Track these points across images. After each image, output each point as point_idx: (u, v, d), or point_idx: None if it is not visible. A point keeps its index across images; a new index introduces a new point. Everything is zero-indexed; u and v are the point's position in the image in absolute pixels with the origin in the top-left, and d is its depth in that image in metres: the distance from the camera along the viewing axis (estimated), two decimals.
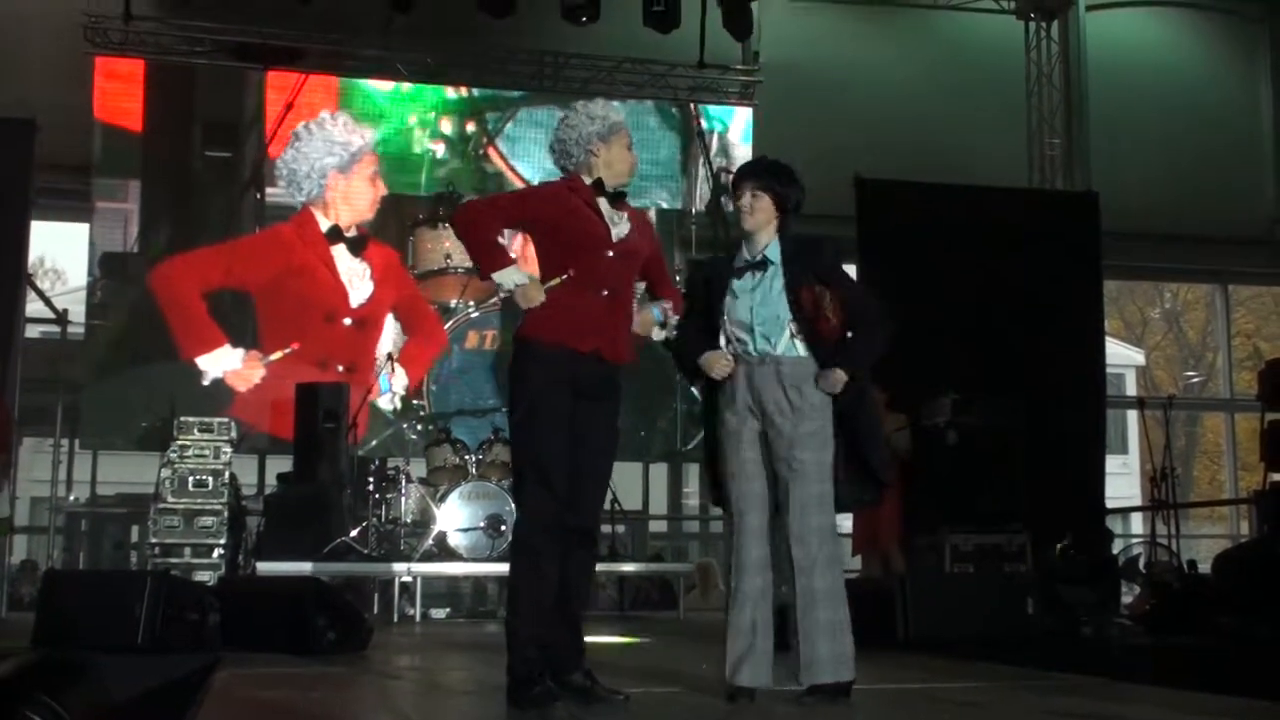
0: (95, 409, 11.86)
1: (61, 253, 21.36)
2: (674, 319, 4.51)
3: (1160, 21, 15.55)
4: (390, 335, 12.42)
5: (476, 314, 12.64)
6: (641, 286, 4.67)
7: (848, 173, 11.81)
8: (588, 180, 4.42)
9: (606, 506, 6.01)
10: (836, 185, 12.00)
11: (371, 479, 10.15)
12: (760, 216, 4.60)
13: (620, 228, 4.43)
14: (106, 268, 12.31)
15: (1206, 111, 15.08)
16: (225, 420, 10.08)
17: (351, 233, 12.50)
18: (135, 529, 11.67)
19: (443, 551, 9.92)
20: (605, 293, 4.33)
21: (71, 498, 11.94)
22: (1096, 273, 12.31)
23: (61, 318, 12.24)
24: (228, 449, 9.89)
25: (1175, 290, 26.78)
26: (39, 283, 13.80)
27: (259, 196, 12.65)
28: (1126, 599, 9.66)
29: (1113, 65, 14.87)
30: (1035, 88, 14.02)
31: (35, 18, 12.29)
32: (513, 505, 9.87)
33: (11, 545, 9.72)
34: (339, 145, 12.63)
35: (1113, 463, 13.38)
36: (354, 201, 12.64)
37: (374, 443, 11.94)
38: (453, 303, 12.64)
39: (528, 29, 12.92)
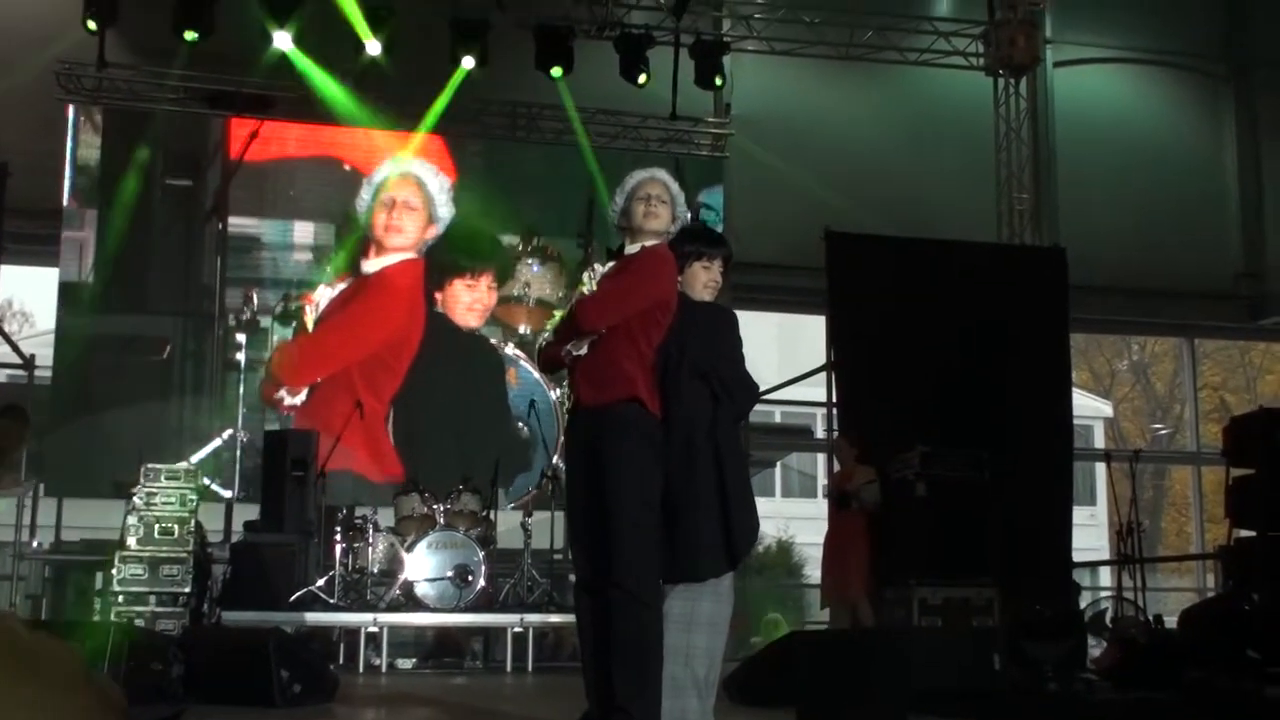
0: (61, 454, 11.78)
1: (30, 296, 21.28)
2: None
3: (1127, 78, 15.77)
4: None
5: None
6: None
7: (818, 225, 11.89)
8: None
9: None
10: (807, 237, 12.12)
11: (339, 528, 10.10)
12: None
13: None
14: (65, 297, 12.30)
15: (1173, 167, 15.29)
16: (192, 468, 10.01)
17: None
18: (99, 575, 11.56)
19: (410, 601, 9.87)
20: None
21: (35, 544, 11.82)
22: (1064, 326, 12.40)
23: (28, 362, 12.19)
24: (194, 496, 9.82)
25: (1143, 343, 27.01)
26: (6, 326, 13.74)
27: (220, 226, 12.67)
28: (1094, 652, 9.67)
29: (1080, 121, 15.07)
30: (1004, 143, 14.17)
31: (7, 63, 12.29)
32: (481, 555, 9.91)
33: None
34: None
35: (1080, 514, 13.41)
36: None
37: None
38: (520, 328, 13.01)
39: (502, 81, 13.01)
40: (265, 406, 12.57)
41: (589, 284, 4.53)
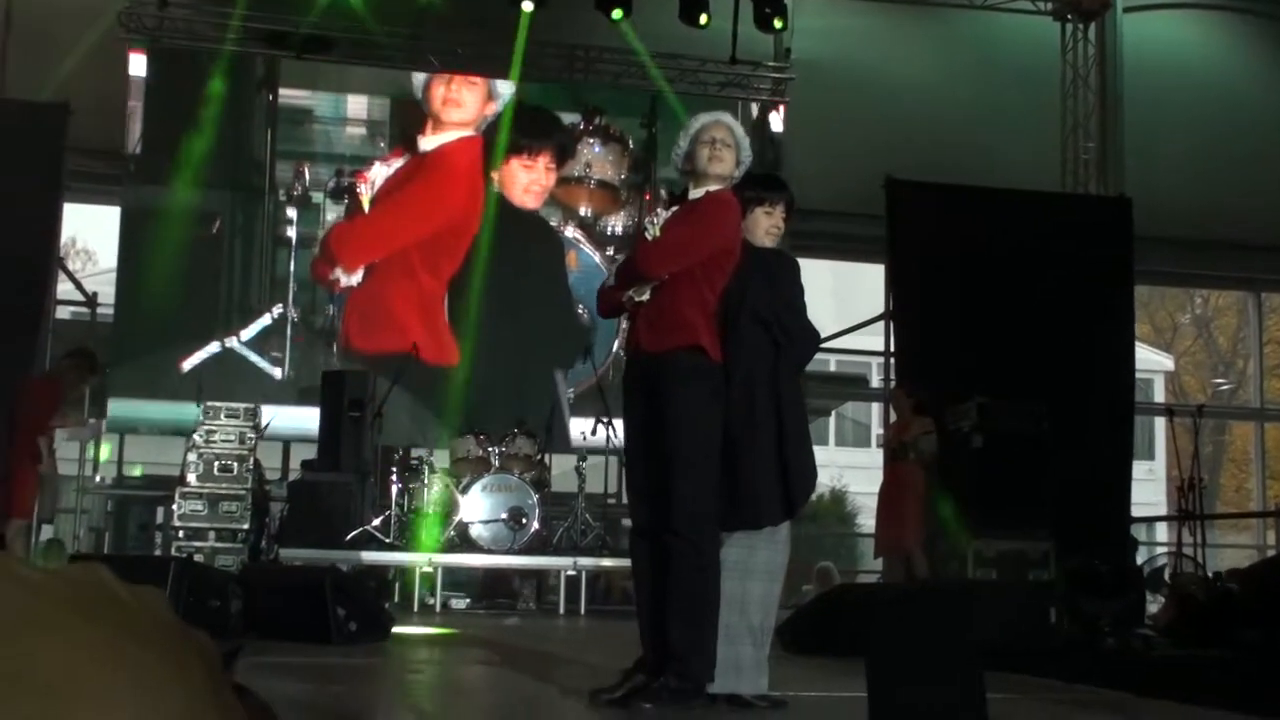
0: (123, 390, 11.91)
1: (92, 235, 21.52)
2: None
3: (1198, 24, 15.40)
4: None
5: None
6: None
7: (879, 172, 11.78)
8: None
9: None
10: (867, 185, 12.00)
11: (395, 468, 10.18)
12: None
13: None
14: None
15: (1243, 116, 14.93)
16: (251, 406, 10.10)
17: None
18: (160, 511, 11.73)
19: (464, 542, 9.94)
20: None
21: (98, 479, 12.00)
22: (1128, 278, 12.24)
23: (91, 300, 12.34)
24: (252, 435, 9.92)
25: (1206, 296, 26.61)
26: (70, 264, 13.88)
27: (271, 98, 12.74)
28: (1151, 609, 9.59)
29: (1149, 68, 14.73)
30: (1070, 90, 13.90)
31: (71, 4, 12.32)
32: (535, 498, 9.95)
33: (40, 524, 9.81)
34: None
35: (1139, 469, 13.27)
36: None
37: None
38: (581, 210, 12.95)
39: (559, 21, 12.89)
40: (316, 284, 12.48)
41: (652, 229, 4.47)
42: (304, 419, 11.34)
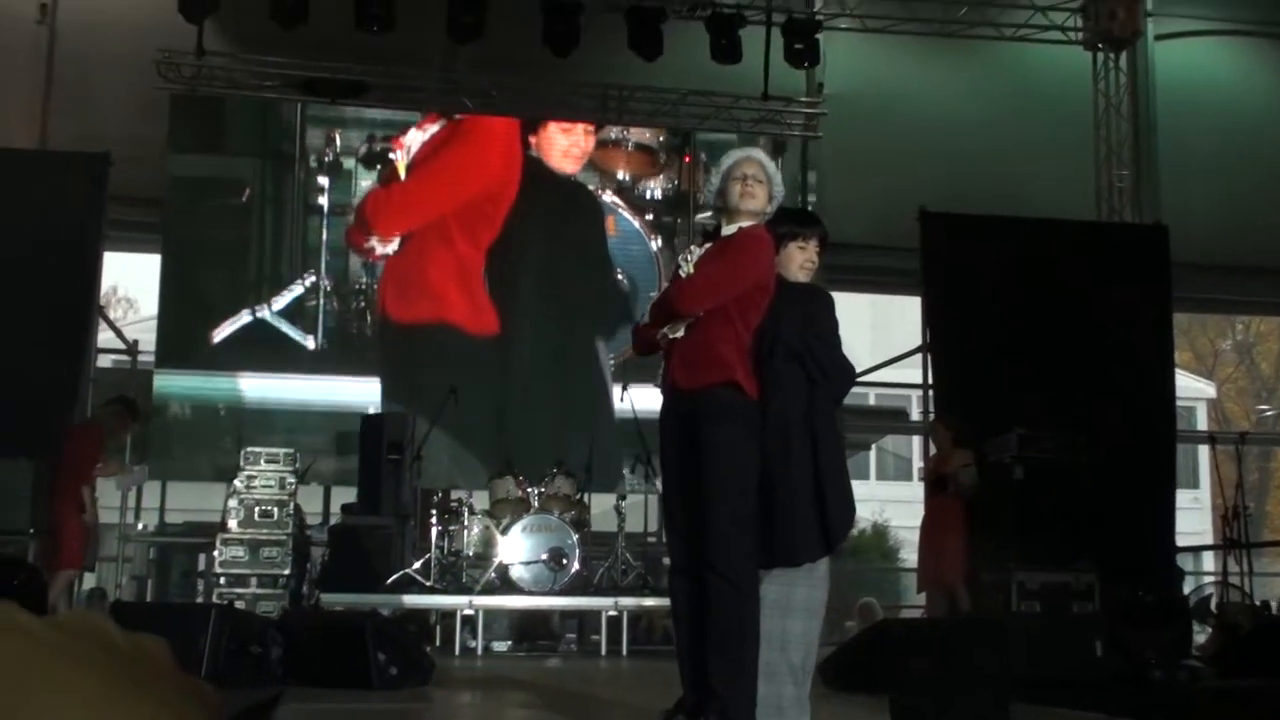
0: (164, 438, 12.02)
1: (133, 283, 21.75)
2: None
3: (1230, 51, 15.34)
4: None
5: None
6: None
7: (913, 205, 11.77)
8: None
9: None
10: (901, 217, 11.99)
11: (434, 511, 10.19)
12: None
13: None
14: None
15: (1278, 141, 14.85)
16: (291, 451, 10.16)
17: None
18: (202, 557, 11.79)
19: (505, 584, 9.93)
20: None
21: (140, 526, 12.08)
22: (1166, 305, 12.16)
23: (132, 348, 12.45)
24: (293, 479, 9.97)
25: (1247, 322, 26.40)
26: (110, 313, 14.02)
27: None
28: (1199, 639, 9.48)
29: (1182, 95, 14.70)
30: (1103, 119, 13.87)
31: (111, 54, 12.51)
32: (575, 538, 9.94)
33: (82, 573, 9.88)
34: None
35: (1183, 497, 13.14)
36: None
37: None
38: (619, 173, 13.01)
39: (593, 62, 12.99)
40: (349, 251, 12.45)
41: (686, 266, 4.48)
42: (342, 392, 11.53)
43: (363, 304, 12.39)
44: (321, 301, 12.03)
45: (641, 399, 9.67)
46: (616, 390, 11.07)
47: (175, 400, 12.10)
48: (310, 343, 12.06)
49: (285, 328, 12.13)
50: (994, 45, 14.04)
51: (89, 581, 10.61)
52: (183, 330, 12.16)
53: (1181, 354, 23.46)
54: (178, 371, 12.05)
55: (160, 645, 1.18)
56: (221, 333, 12.07)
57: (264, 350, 12.06)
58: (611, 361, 12.23)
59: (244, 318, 12.12)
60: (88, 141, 11.77)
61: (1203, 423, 24.97)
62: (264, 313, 12.15)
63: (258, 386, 12.09)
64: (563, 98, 13.28)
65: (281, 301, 12.10)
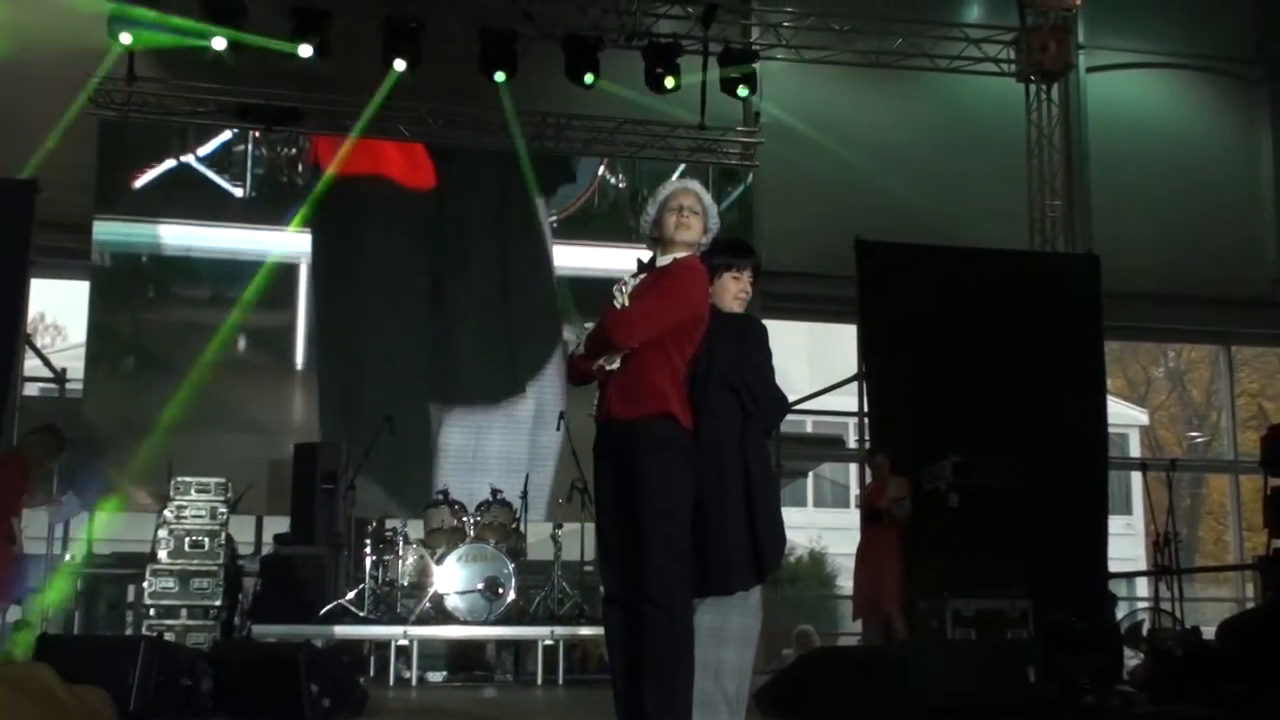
0: (92, 467, 11.86)
1: (61, 310, 21.43)
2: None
3: (1161, 83, 15.65)
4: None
5: None
6: None
7: (848, 233, 11.87)
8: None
9: None
10: (837, 246, 12.09)
11: (368, 540, 10.13)
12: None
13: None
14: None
15: (1208, 172, 15.16)
16: (222, 480, 10.05)
17: None
18: (131, 588, 11.63)
19: (440, 614, 9.88)
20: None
21: (67, 557, 11.88)
22: (1098, 334, 12.33)
23: (59, 376, 12.28)
24: (224, 509, 9.86)
25: (1179, 350, 26.80)
26: (38, 340, 13.83)
27: None
28: (1131, 665, 9.60)
29: (1113, 126, 14.97)
30: (1035, 149, 14.07)
31: (39, 78, 12.37)
32: (511, 567, 9.92)
33: (8, 605, 9.70)
34: None
35: (1116, 523, 13.30)
36: None
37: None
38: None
39: (530, 90, 13.03)
40: None
41: (621, 297, 4.50)
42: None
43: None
44: (250, 149, 12.55)
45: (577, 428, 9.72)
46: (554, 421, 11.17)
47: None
48: (238, 191, 12.41)
49: (212, 175, 12.48)
50: (929, 76, 14.23)
51: (14, 612, 10.41)
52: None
53: (1114, 381, 23.77)
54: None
55: (102, 698, 1.19)
56: (144, 179, 12.52)
57: (188, 197, 12.57)
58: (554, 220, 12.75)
59: (168, 164, 12.56)
60: (14, 166, 11.64)
61: (1135, 449, 25.28)
62: (189, 159, 12.54)
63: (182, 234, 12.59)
64: (500, 125, 13.30)
65: (208, 148, 12.48)
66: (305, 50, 12.09)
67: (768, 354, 4.69)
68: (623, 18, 13.06)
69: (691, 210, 4.56)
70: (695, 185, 4.66)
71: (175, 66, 12.68)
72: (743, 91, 13.20)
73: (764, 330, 4.77)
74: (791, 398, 5.29)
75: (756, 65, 13.31)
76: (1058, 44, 13.85)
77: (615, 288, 4.56)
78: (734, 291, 4.74)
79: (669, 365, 4.40)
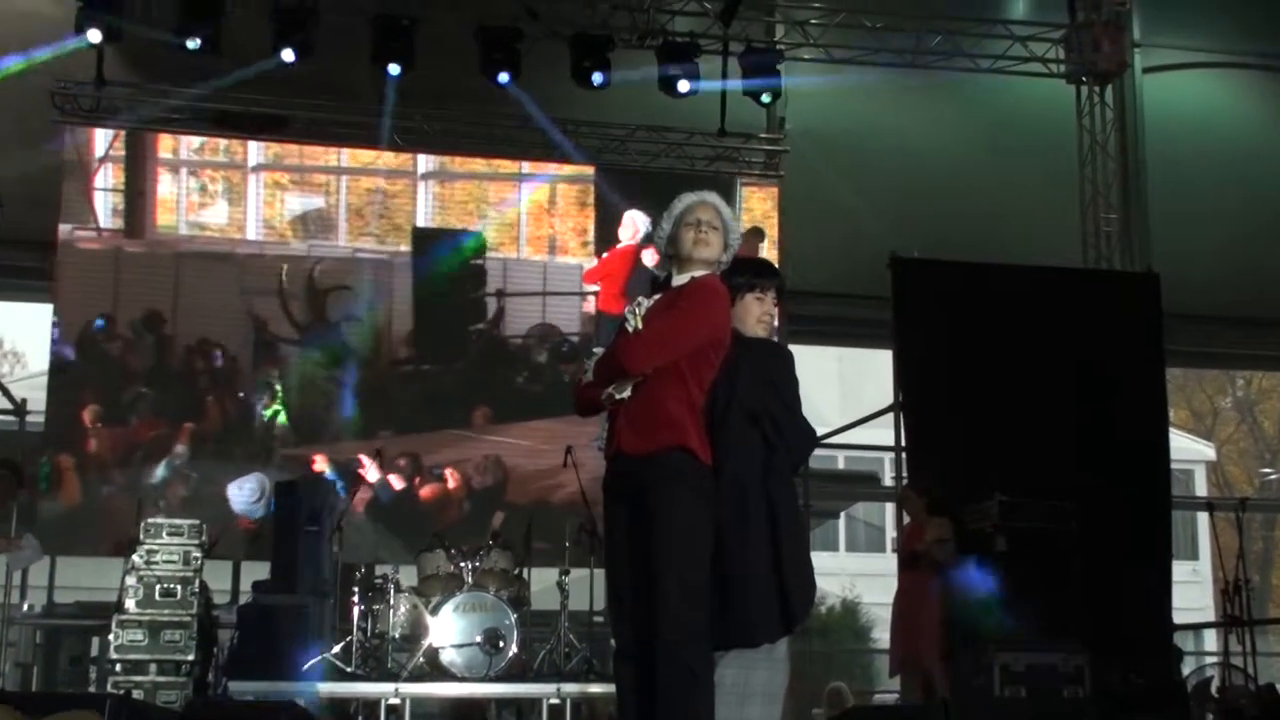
0: (54, 509, 11.91)
1: (21, 335, 21.52)
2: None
3: (1225, 84, 15.63)
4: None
5: None
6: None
7: (883, 250, 11.85)
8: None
9: None
10: (870, 264, 12.08)
11: (356, 588, 10.09)
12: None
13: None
14: None
15: (1278, 181, 15.11)
16: (196, 523, 10.05)
17: None
18: (95, 641, 11.62)
19: (434, 669, 9.83)
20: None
21: (26, 606, 11.89)
22: (1159, 359, 12.28)
23: (19, 407, 12.31)
24: (198, 554, 9.84)
25: (1248, 378, 26.73)
26: None
27: None
28: None
29: (1173, 132, 14.93)
30: (1088, 157, 14.07)
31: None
32: (513, 617, 9.88)
33: None
34: None
35: (1181, 570, 13.27)
36: None
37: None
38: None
39: (534, 95, 13.06)
40: None
41: (634, 319, 4.50)
42: None
43: None
44: None
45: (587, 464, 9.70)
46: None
47: None
48: None
49: None
50: (970, 78, 14.23)
51: None
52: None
53: (1177, 412, 23.73)
54: None
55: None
56: None
57: None
58: None
59: None
60: None
61: (1201, 488, 25.22)
62: None
63: None
64: (500, 133, 13.35)
65: None
66: (287, 55, 12.15)
67: (794, 382, 4.68)
68: (635, 15, 13.12)
69: (710, 225, 4.57)
70: (714, 198, 4.67)
71: (148, 69, 12.74)
72: (766, 96, 13.22)
73: (790, 356, 4.77)
74: (821, 430, 5.29)
75: (781, 67, 13.34)
76: (1111, 42, 13.87)
77: (628, 309, 4.55)
78: (757, 314, 4.74)
79: (685, 394, 4.39)
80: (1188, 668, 11.06)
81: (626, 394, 4.41)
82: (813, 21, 13.83)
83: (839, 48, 13.81)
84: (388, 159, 13.49)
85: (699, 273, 4.55)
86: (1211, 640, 14.00)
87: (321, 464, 12.54)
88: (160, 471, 12.36)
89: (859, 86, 14.18)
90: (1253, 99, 15.63)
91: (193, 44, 12.02)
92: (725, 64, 13.09)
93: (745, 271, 4.78)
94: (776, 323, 4.90)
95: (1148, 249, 14.24)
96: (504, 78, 12.59)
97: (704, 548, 4.31)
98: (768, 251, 13.14)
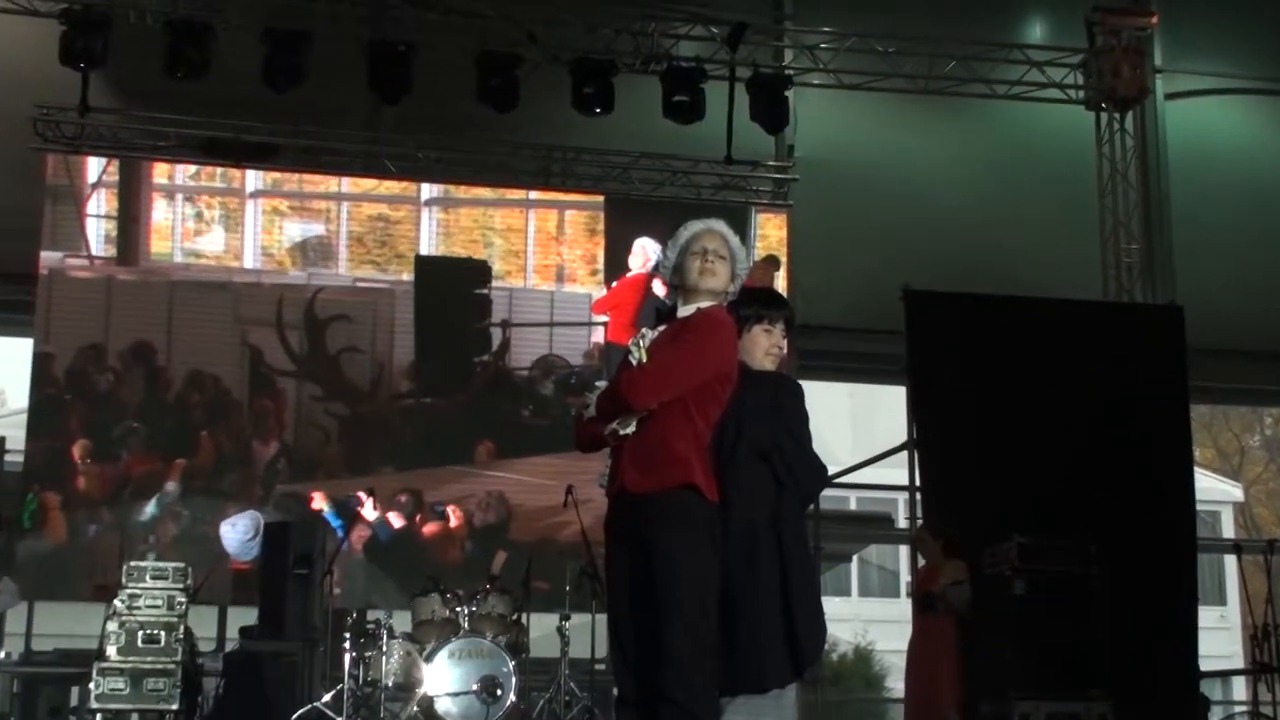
0: (34, 551, 11.89)
1: (1, 371, 21.51)
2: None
3: (1251, 110, 15.64)
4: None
5: None
6: None
7: (896, 282, 11.85)
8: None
9: None
10: (883, 297, 12.07)
11: (348, 634, 10.06)
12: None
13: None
14: None
15: None
16: (181, 566, 10.02)
17: None
18: (75, 690, 11.58)
19: (429, 719, 9.80)
20: None
21: (2, 654, 11.85)
22: (1183, 396, 12.26)
23: None
24: (183, 598, 9.82)
25: (1277, 415, 26.69)
26: None
27: None
28: None
29: (1197, 160, 14.94)
30: (1109, 186, 14.07)
31: None
32: (511, 665, 9.85)
33: None
34: None
35: (1208, 615, 13.22)
36: None
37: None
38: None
39: (532, 121, 13.10)
40: None
41: (638, 352, 4.49)
42: None
43: None
44: None
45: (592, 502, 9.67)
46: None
47: None
48: None
49: None
50: (986, 105, 14.25)
51: None
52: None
53: (1203, 451, 23.70)
54: None
55: None
56: None
57: None
58: None
59: None
60: None
61: (1228, 529, 25.17)
62: None
63: None
64: (498, 161, 13.38)
65: None
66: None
67: (804, 417, 4.68)
68: (638, 39, 13.15)
69: (718, 255, 4.57)
70: (721, 227, 4.67)
71: (132, 95, 12.79)
72: (776, 122, 13.24)
73: (799, 390, 4.76)
74: (832, 469, 5.27)
75: (790, 92, 13.37)
76: (1132, 67, 13.89)
77: (631, 341, 4.55)
78: (765, 346, 4.73)
79: (691, 430, 4.37)
80: (1215, 717, 11.00)
81: (630, 430, 4.40)
82: (822, 46, 13.85)
83: (850, 73, 13.84)
84: (390, 185, 13.55)
85: (705, 304, 4.55)
86: (1240, 688, 13.92)
87: (320, 502, 12.52)
88: (150, 509, 12.35)
89: (871, 113, 14.24)
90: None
91: (180, 70, 12.05)
92: (732, 90, 13.09)
93: (753, 303, 4.78)
94: (785, 355, 4.88)
95: (1171, 281, 14.24)
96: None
97: (709, 592, 4.29)
98: (779, 282, 13.16)
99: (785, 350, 4.84)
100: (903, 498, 13.46)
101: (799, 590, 4.44)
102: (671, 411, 4.37)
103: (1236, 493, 26.74)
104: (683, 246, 4.61)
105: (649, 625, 4.25)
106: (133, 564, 9.84)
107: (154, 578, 9.75)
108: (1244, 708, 11.27)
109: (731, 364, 4.51)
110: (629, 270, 13.49)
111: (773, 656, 4.39)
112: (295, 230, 13.49)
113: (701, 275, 4.55)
